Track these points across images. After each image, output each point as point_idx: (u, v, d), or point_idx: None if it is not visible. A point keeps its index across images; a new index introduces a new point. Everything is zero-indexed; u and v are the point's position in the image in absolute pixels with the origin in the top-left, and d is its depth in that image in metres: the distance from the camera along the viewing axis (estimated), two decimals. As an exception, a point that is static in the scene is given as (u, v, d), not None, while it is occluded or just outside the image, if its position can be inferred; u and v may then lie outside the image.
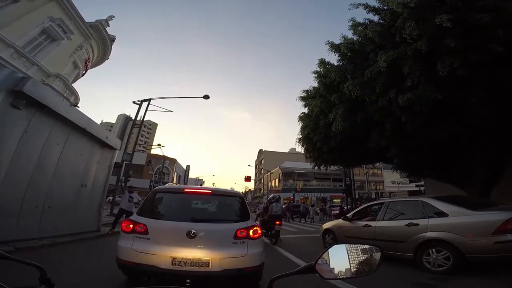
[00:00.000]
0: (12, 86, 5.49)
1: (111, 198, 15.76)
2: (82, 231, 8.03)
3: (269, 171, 50.21)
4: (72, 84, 17.04)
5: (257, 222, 6.99)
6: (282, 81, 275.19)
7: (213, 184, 71.13)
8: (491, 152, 7.67)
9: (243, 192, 62.14)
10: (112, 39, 19.74)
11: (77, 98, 17.56)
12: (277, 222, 8.50)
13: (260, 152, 67.44)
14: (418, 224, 5.07)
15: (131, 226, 3.20)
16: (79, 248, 6.58)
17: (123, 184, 9.71)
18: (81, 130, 7.74)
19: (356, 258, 1.08)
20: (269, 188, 48.13)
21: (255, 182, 65.92)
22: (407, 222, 5.28)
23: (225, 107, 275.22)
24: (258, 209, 13.72)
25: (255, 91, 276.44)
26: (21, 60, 12.36)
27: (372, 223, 6.15)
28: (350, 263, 1.06)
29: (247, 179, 47.41)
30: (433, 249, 4.74)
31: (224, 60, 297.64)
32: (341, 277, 1.06)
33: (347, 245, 1.11)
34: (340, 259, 1.07)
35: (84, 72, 19.34)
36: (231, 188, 6.17)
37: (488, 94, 6.20)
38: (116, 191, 14.66)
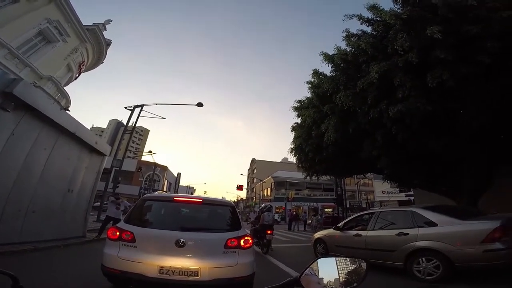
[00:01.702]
0: (2, 88, 5.40)
1: (98, 203, 15.36)
2: (67, 236, 7.82)
3: (261, 180, 50.06)
4: (65, 87, 16.83)
5: (248, 231, 6.92)
6: (276, 91, 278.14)
7: (205, 192, 70.43)
8: (480, 163, 7.82)
9: (235, 201, 61.66)
10: (108, 43, 19.68)
11: (68, 102, 17.31)
12: (269, 232, 8.44)
13: (253, 161, 67.33)
14: (408, 234, 5.10)
15: (118, 233, 3.14)
16: (62, 254, 6.40)
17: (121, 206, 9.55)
18: (70, 134, 7.62)
19: (345, 269, 1.07)
20: (261, 197, 47.88)
21: (247, 191, 65.58)
22: (397, 231, 5.31)
23: (219, 115, 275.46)
24: (250, 218, 13.54)
25: (249, 100, 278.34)
26: (14, 61, 12.18)
27: (363, 233, 6.16)
28: (339, 274, 1.06)
29: (239, 188, 47.14)
30: (423, 258, 4.77)
31: (218, 69, 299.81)
32: (328, 289, 1.04)
33: (335, 257, 1.11)
34: (329, 270, 1.06)
35: (77, 75, 19.15)
36: (222, 197, 6.13)
37: (477, 106, 6.29)
38: (103, 197, 14.35)
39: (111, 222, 8.96)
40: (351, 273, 1.06)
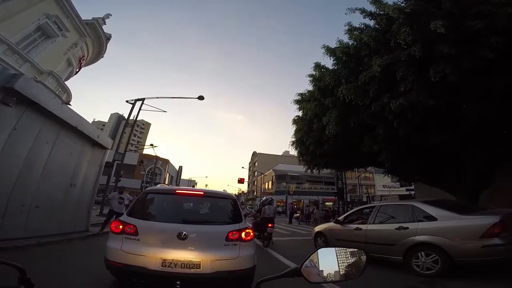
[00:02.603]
0: (3, 83, 5.39)
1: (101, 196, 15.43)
2: (70, 231, 7.88)
3: (263, 174, 50.20)
4: (65, 82, 16.82)
5: (250, 225, 6.97)
6: (277, 84, 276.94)
7: (206, 185, 70.74)
8: (482, 158, 7.79)
9: (236, 194, 61.95)
10: (108, 38, 19.59)
11: (69, 96, 17.33)
12: (270, 225, 8.49)
13: (254, 154, 67.41)
14: (407, 228, 5.12)
15: (121, 227, 3.17)
16: (66, 249, 6.46)
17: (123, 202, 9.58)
18: (72, 128, 7.62)
19: (345, 261, 1.08)
20: (262, 191, 48.09)
21: (248, 184, 65.84)
22: (397, 225, 5.33)
23: (220, 109, 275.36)
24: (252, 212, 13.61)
25: (250, 94, 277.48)
26: (14, 57, 12.18)
27: (363, 226, 6.18)
28: (339, 266, 1.06)
29: (241, 181, 47.24)
30: (422, 253, 4.79)
31: (219, 62, 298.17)
32: (329, 280, 1.05)
33: (335, 248, 1.11)
34: (329, 261, 1.06)
35: (77, 70, 19.11)
36: (223, 190, 6.15)
37: (480, 100, 6.25)
38: (106, 191, 14.44)
39: (114, 216, 9.03)
40: (351, 265, 1.07)
